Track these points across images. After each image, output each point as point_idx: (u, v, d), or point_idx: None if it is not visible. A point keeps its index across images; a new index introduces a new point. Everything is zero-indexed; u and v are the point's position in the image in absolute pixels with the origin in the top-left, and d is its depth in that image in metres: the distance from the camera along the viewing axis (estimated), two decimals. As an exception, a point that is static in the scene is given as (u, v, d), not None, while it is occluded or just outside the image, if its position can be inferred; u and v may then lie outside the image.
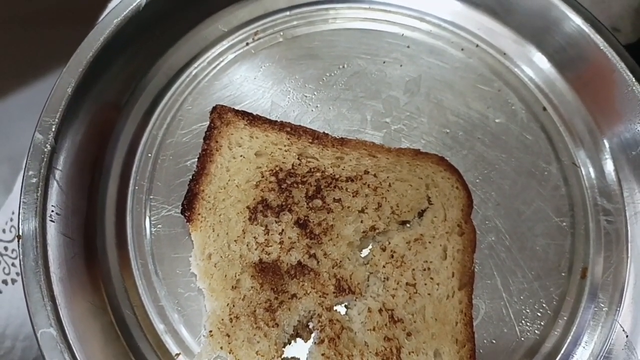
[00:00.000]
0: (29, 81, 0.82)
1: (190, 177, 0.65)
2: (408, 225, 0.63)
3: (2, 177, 0.80)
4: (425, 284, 0.60)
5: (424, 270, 0.61)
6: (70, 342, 0.55)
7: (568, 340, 0.63)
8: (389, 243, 0.62)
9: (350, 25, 0.76)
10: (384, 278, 0.60)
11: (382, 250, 0.62)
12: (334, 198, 0.63)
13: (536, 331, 0.63)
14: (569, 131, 0.72)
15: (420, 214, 0.64)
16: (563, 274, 0.65)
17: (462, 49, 0.75)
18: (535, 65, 0.75)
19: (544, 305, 0.64)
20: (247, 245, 0.61)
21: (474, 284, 0.62)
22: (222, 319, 0.58)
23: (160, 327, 0.62)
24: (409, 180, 0.65)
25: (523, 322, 0.63)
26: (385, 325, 0.58)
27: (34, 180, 0.58)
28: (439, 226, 0.63)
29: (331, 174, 0.64)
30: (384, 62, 0.74)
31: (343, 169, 0.65)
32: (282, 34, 0.75)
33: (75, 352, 0.54)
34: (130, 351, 0.60)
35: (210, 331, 0.58)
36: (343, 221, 0.62)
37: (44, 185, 0.58)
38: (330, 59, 0.71)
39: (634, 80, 0.66)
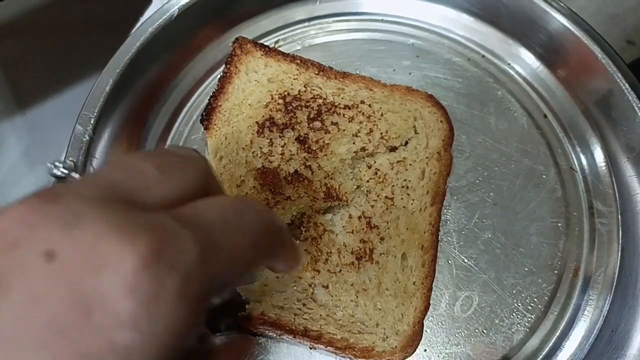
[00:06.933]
0: (66, 87, 0.88)
1: (211, 94, 0.74)
2: (395, 151, 0.72)
3: (38, 180, 0.84)
4: (402, 199, 0.69)
5: (403, 187, 0.69)
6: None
7: (556, 335, 0.66)
8: (375, 162, 0.70)
9: (363, 35, 0.82)
10: (367, 191, 0.69)
11: (368, 168, 0.70)
12: (331, 121, 0.72)
13: (526, 324, 0.66)
14: (568, 137, 0.76)
15: (406, 143, 0.72)
16: (555, 272, 0.68)
17: (469, 59, 0.80)
18: (537, 76, 0.79)
19: (535, 300, 0.67)
20: (253, 154, 0.70)
21: (444, 202, 0.70)
22: None
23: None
24: (399, 112, 0.73)
25: (514, 315, 0.67)
26: (363, 229, 0.67)
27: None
28: (421, 152, 0.71)
29: (331, 101, 0.73)
30: (393, 70, 0.79)
31: (342, 98, 0.73)
32: (300, 42, 0.82)
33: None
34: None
35: None
36: (338, 141, 0.71)
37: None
38: (343, 66, 0.77)
39: (635, 96, 0.69)
